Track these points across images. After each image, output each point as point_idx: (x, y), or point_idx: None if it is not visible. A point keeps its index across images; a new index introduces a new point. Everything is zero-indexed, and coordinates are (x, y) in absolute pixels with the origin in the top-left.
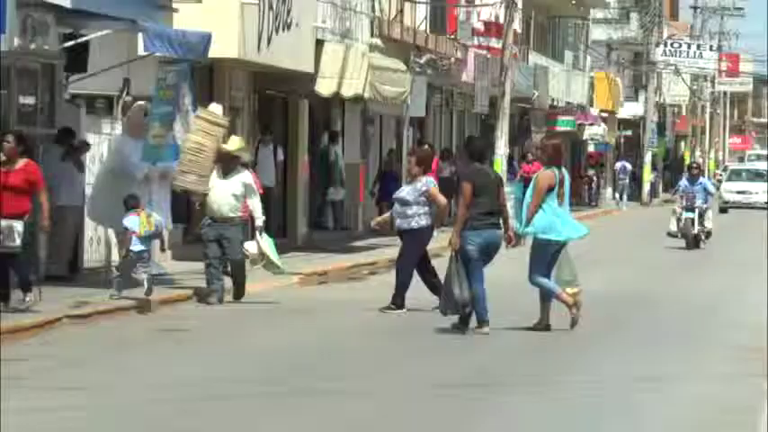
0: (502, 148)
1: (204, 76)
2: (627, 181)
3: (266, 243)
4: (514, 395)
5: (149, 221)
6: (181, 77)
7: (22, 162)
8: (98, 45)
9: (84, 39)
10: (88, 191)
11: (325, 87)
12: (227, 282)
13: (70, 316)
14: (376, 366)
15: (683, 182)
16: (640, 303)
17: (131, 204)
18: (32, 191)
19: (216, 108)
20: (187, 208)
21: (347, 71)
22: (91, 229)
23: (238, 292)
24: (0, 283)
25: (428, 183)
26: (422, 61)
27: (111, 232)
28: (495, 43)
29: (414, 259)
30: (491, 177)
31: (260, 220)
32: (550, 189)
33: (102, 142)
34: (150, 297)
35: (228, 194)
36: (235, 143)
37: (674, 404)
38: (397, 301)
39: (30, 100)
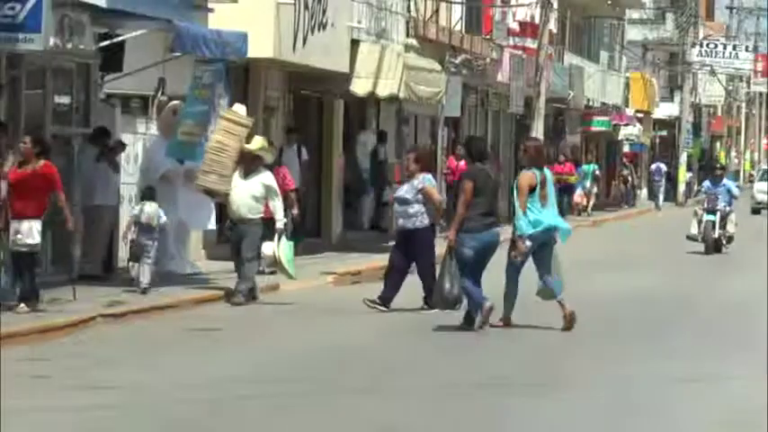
0: None
1: (239, 75)
2: (662, 182)
3: (283, 247)
4: (546, 395)
5: (151, 216)
6: (216, 77)
7: (39, 164)
8: (133, 45)
9: (119, 38)
10: (122, 190)
11: (360, 87)
12: (259, 279)
13: (104, 315)
14: (406, 366)
15: (706, 183)
16: (671, 304)
17: (147, 195)
18: (49, 192)
19: (240, 108)
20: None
21: (382, 71)
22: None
23: (251, 292)
24: (27, 283)
25: (424, 180)
26: (457, 61)
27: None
28: (530, 43)
29: (430, 259)
30: (491, 178)
31: (280, 222)
32: (532, 190)
33: (136, 142)
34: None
35: (248, 195)
36: (257, 143)
37: (707, 405)
38: (431, 301)
39: (65, 99)
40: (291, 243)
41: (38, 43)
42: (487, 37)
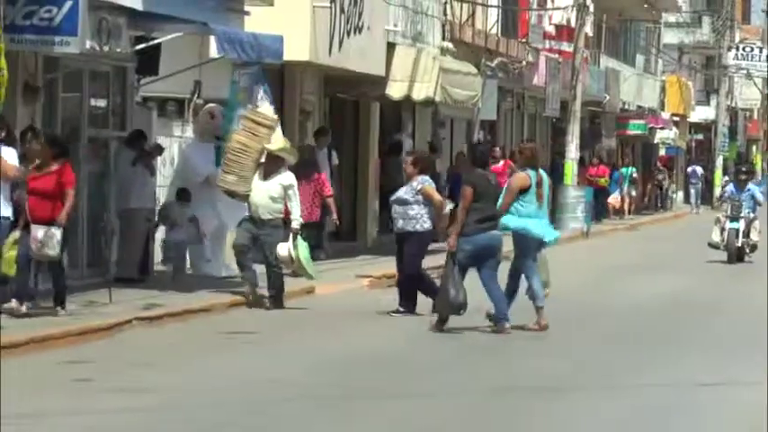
0: (573, 151)
1: (275, 78)
2: (699, 185)
3: (300, 248)
4: (581, 399)
5: (181, 218)
6: (253, 80)
7: (55, 165)
8: (169, 48)
9: (155, 41)
10: (158, 193)
11: (396, 90)
12: (293, 282)
13: (140, 318)
14: (441, 369)
15: (730, 188)
16: (703, 309)
17: (181, 197)
18: (62, 194)
19: (266, 109)
20: None
21: (418, 74)
22: (162, 231)
23: (276, 301)
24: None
25: (423, 181)
26: (493, 65)
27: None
28: (566, 47)
29: (419, 261)
30: (492, 184)
31: (296, 222)
32: (523, 191)
33: (172, 145)
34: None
35: (266, 196)
36: (278, 143)
37: (741, 409)
38: (406, 305)
39: (101, 102)
40: (306, 243)
41: (74, 46)
42: (523, 40)
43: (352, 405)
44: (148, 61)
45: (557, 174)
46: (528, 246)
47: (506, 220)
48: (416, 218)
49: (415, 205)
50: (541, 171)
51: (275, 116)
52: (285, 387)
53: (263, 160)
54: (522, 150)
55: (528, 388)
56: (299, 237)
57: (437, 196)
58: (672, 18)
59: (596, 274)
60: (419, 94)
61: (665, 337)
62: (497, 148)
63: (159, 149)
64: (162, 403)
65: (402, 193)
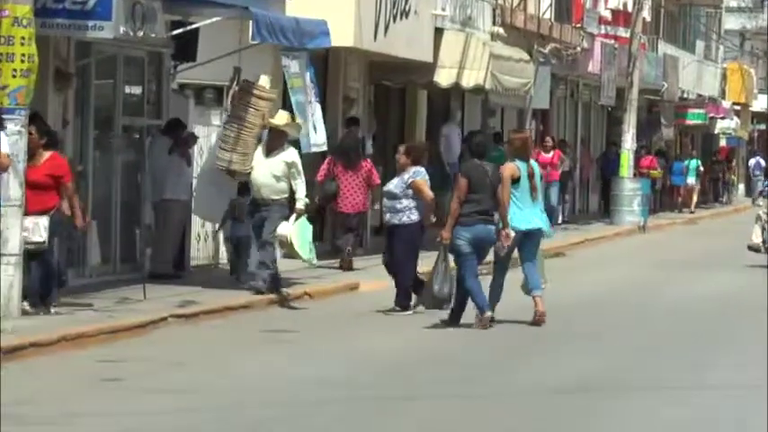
0: (629, 142)
1: (318, 65)
2: (762, 177)
3: (298, 229)
4: (635, 399)
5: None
6: (303, 66)
7: (46, 155)
8: (207, 33)
9: (193, 26)
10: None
11: (444, 78)
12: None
13: (175, 315)
14: (492, 368)
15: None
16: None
17: (243, 192)
18: (58, 185)
19: (264, 80)
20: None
21: (467, 61)
22: (198, 224)
23: (272, 285)
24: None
25: (415, 173)
26: (546, 51)
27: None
28: (622, 32)
29: (409, 255)
30: (488, 175)
31: (300, 202)
32: (515, 181)
33: (210, 134)
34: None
35: (269, 175)
36: (282, 118)
37: None
38: (404, 303)
39: (136, 90)
40: (311, 226)
41: (108, 31)
42: (578, 25)
43: (400, 405)
44: (185, 47)
45: (611, 165)
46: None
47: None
48: (404, 210)
49: (403, 199)
50: (533, 162)
51: (273, 90)
52: (332, 387)
53: (265, 137)
54: (511, 141)
55: (584, 388)
56: (303, 218)
57: (427, 191)
58: (733, 2)
59: (651, 269)
60: (468, 81)
61: (718, 336)
62: (549, 138)
63: (193, 138)
64: (199, 404)
65: (392, 186)
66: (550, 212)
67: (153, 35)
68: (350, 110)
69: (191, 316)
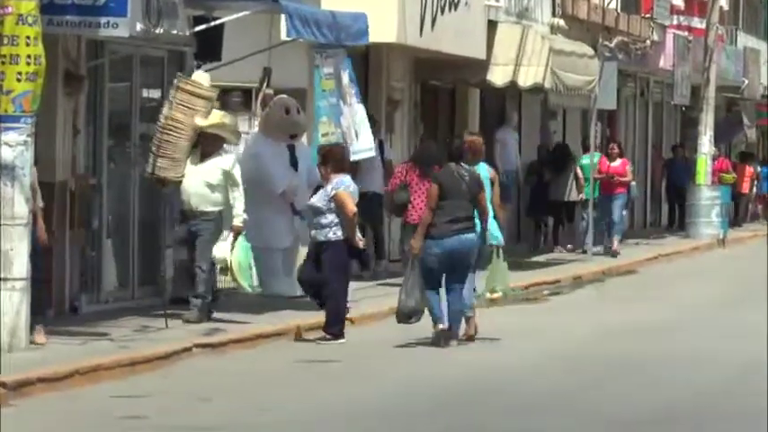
0: (706, 145)
1: (358, 63)
2: None
3: (238, 251)
4: None
5: None
6: (339, 66)
7: None
8: (234, 29)
9: (217, 22)
10: None
11: (498, 76)
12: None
13: (201, 345)
14: (551, 401)
15: None
16: None
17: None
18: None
19: (201, 77)
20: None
21: (525, 57)
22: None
23: (202, 311)
24: None
25: (338, 185)
26: (612, 45)
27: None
28: (697, 23)
29: (339, 276)
30: (465, 180)
31: (238, 219)
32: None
33: (238, 143)
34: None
35: (201, 183)
36: (213, 118)
37: None
38: (333, 330)
39: (155, 93)
40: (249, 245)
41: (123, 28)
42: (647, 16)
43: None
44: (209, 45)
45: (679, 171)
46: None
47: None
48: (329, 226)
49: (328, 213)
50: (483, 164)
51: (213, 88)
52: (373, 422)
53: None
54: (471, 144)
55: (648, 422)
56: (241, 237)
57: (350, 205)
58: None
59: (731, 288)
60: (526, 79)
61: None
62: (615, 144)
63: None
64: None
65: (315, 200)
66: (609, 228)
67: (173, 32)
68: (394, 113)
69: (218, 345)
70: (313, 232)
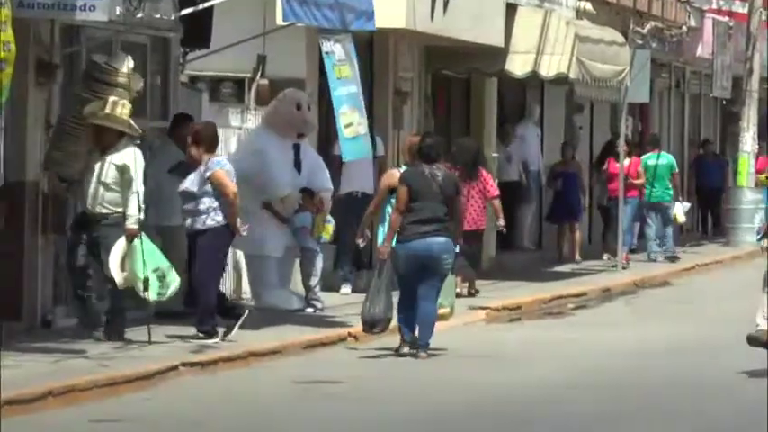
0: (748, 142)
1: (362, 51)
2: None
3: (133, 256)
4: None
5: (326, 228)
6: (349, 50)
7: None
8: (224, 12)
9: (206, 4)
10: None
11: (518, 65)
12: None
13: (188, 363)
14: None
15: None
16: None
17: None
18: None
19: (119, 60)
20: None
21: (547, 44)
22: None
23: (109, 329)
24: None
25: (213, 165)
26: (644, 31)
27: (240, 255)
28: (739, 7)
29: (213, 270)
30: (436, 181)
31: (132, 220)
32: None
33: (228, 138)
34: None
35: (95, 181)
36: (103, 106)
37: None
38: (206, 328)
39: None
40: (154, 248)
41: (101, 12)
42: None
43: None
44: (197, 30)
45: (709, 171)
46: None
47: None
48: (207, 212)
49: (205, 198)
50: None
51: (132, 73)
52: None
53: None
54: (413, 145)
55: None
56: (138, 243)
57: (230, 185)
58: None
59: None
60: (548, 69)
61: None
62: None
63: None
64: None
65: (188, 184)
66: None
67: (156, 16)
68: (402, 105)
69: (207, 363)
70: (189, 221)
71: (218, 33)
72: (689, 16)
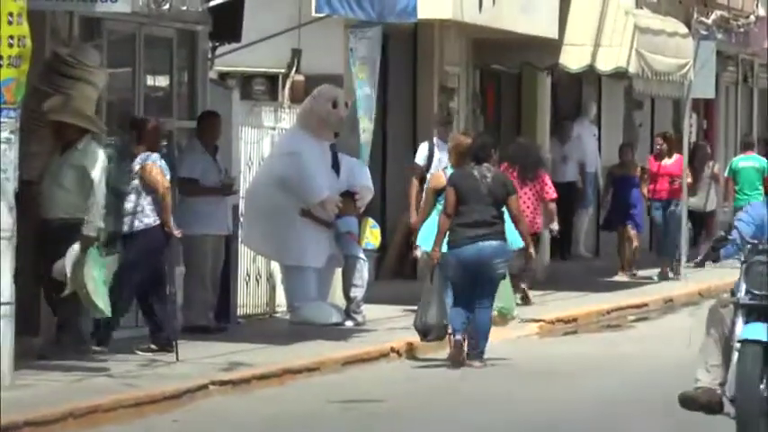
0: None
1: (405, 44)
2: None
3: (90, 265)
4: None
5: (373, 233)
6: (374, 48)
7: None
8: (256, 4)
9: None
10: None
11: (573, 59)
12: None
13: (219, 382)
14: None
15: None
16: None
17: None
18: None
19: (83, 53)
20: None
21: (604, 36)
22: (247, 261)
23: (59, 338)
24: None
25: (145, 158)
26: (709, 21)
27: (275, 266)
28: None
29: (137, 273)
30: (485, 183)
31: (89, 227)
32: (440, 192)
33: (261, 138)
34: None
35: (52, 184)
36: (68, 100)
37: None
38: (160, 340)
39: (162, 81)
40: (106, 262)
41: (123, 3)
42: None
43: None
44: (226, 23)
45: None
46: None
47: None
48: (135, 212)
49: (133, 195)
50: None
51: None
52: None
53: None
54: (460, 144)
55: None
56: (93, 249)
57: (163, 182)
58: None
59: None
60: (606, 63)
61: None
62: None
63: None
64: None
65: (115, 180)
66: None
67: (183, 8)
68: (448, 102)
69: (239, 382)
70: (113, 223)
71: (250, 26)
72: (757, 4)
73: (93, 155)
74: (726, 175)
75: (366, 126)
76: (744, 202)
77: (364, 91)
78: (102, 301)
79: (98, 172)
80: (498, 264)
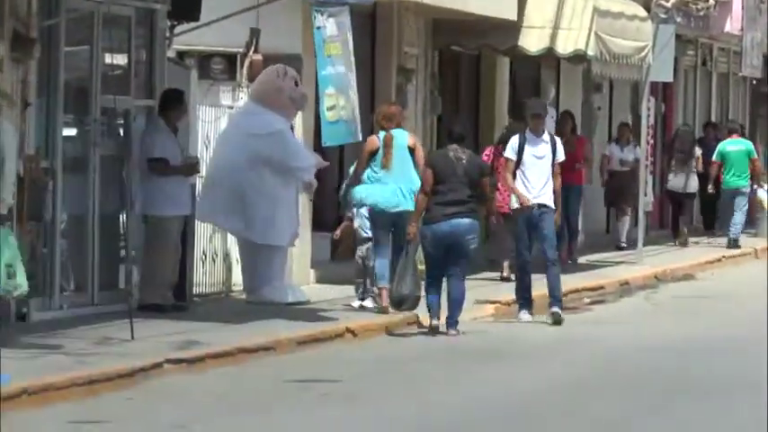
0: None
1: (362, 25)
2: None
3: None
4: None
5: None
6: (344, 27)
7: None
8: None
9: None
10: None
11: (532, 41)
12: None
13: (173, 360)
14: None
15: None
16: None
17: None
18: None
19: None
20: (338, 209)
21: (564, 18)
22: (204, 241)
23: None
24: None
25: None
26: (668, 4)
27: (232, 243)
28: None
29: None
30: (461, 164)
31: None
32: (373, 155)
33: (219, 117)
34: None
35: None
36: None
37: None
38: None
39: (120, 59)
40: (14, 243)
41: None
42: None
43: None
44: (186, 2)
45: (709, 156)
46: (373, 218)
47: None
48: None
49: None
50: (401, 130)
51: None
52: None
53: None
54: (383, 113)
55: None
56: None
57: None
58: None
59: None
60: (565, 45)
61: None
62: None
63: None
64: None
65: None
66: None
67: None
68: (406, 84)
69: (194, 361)
70: None
71: (209, 5)
72: None
73: (4, 132)
74: (714, 159)
75: (340, 102)
76: (733, 184)
77: (337, 69)
78: (21, 281)
79: (6, 148)
80: (470, 239)
